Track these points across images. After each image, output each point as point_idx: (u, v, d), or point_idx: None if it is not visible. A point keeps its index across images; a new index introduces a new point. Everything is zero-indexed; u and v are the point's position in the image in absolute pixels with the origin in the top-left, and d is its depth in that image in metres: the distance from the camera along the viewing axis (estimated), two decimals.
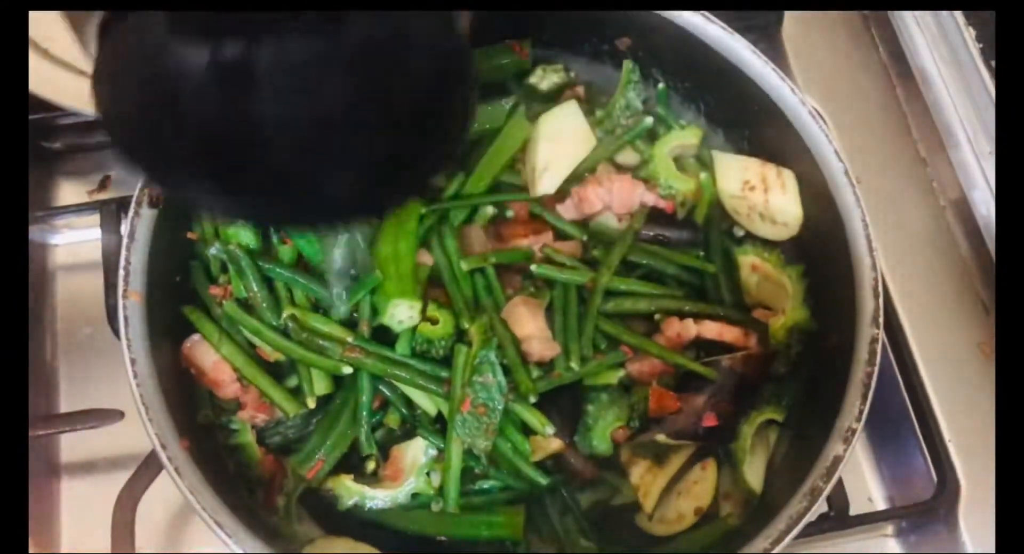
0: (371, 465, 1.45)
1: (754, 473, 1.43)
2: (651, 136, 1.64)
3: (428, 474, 1.41)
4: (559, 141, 1.57)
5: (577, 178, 1.58)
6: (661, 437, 1.42)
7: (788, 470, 1.38)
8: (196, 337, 1.43)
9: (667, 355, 1.45)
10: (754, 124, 1.57)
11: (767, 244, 1.56)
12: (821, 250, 1.47)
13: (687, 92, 1.65)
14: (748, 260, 1.55)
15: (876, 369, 1.30)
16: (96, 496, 1.53)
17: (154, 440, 1.26)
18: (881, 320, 1.32)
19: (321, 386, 1.43)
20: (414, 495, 1.41)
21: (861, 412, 1.27)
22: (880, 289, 1.34)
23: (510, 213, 1.56)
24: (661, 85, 1.66)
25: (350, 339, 1.41)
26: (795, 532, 1.22)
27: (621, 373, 1.47)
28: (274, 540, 1.26)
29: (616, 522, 1.45)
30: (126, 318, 1.32)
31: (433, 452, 1.41)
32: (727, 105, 1.61)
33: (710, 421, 1.41)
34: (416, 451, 1.42)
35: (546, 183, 1.55)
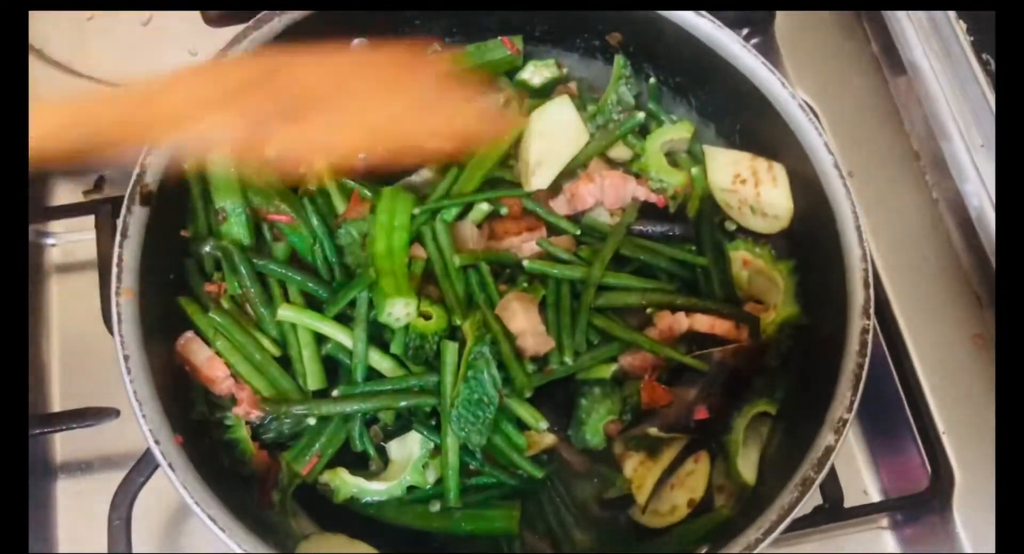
0: (367, 460, 1.46)
1: (747, 465, 1.43)
2: (643, 131, 1.65)
3: (424, 467, 1.41)
4: (552, 136, 1.57)
5: (569, 174, 1.58)
6: (653, 430, 1.43)
7: (780, 461, 1.38)
8: (189, 334, 1.44)
9: (658, 348, 1.45)
10: (745, 117, 1.58)
11: (758, 239, 1.57)
12: (812, 241, 1.47)
13: (678, 86, 1.66)
14: (739, 255, 1.56)
15: (867, 360, 1.30)
16: (93, 495, 1.53)
17: (148, 436, 1.26)
18: (872, 311, 1.33)
19: (315, 381, 1.44)
20: (410, 488, 1.42)
21: (852, 403, 1.28)
22: (871, 280, 1.35)
23: (504, 210, 1.56)
24: (652, 80, 1.66)
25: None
26: (787, 522, 1.22)
27: (614, 367, 1.47)
28: (269, 535, 1.27)
29: (610, 515, 1.45)
30: (119, 315, 1.32)
31: (429, 446, 1.42)
32: (718, 99, 1.61)
33: (701, 414, 1.41)
34: (412, 445, 1.43)
35: (539, 178, 1.55)
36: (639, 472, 1.44)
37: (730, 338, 1.48)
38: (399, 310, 1.40)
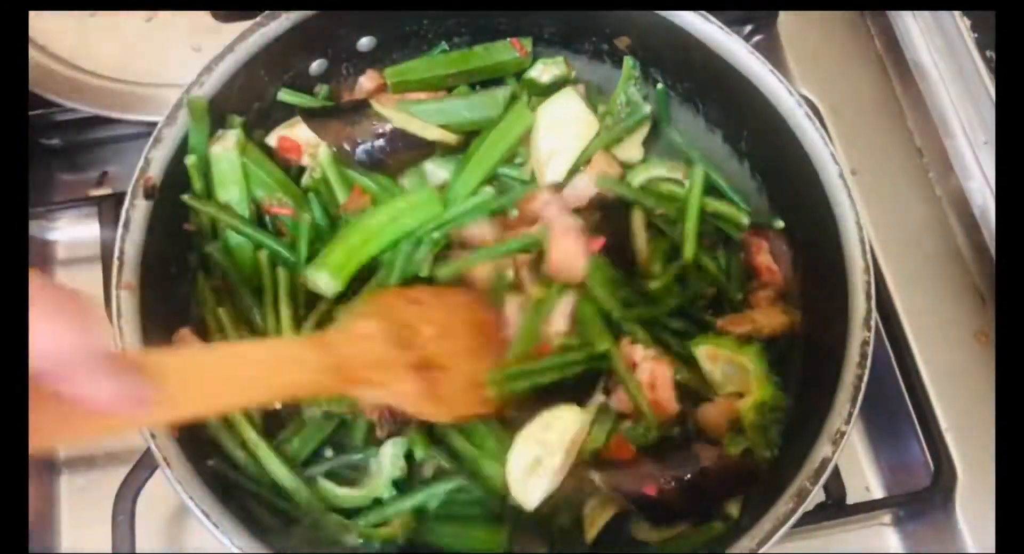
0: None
1: (733, 502, 1.41)
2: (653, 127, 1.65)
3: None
4: (562, 127, 1.57)
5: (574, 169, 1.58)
6: (598, 479, 1.39)
7: (777, 471, 1.37)
8: (185, 330, 1.44)
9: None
10: (751, 125, 1.56)
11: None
12: (815, 251, 1.47)
13: (686, 92, 1.64)
14: (703, 351, 1.46)
15: (867, 372, 1.29)
16: (96, 491, 1.54)
17: (144, 430, 1.26)
18: (873, 323, 1.32)
19: None
20: (395, 484, 1.41)
21: (851, 415, 1.27)
22: (873, 292, 1.33)
23: (515, 212, 1.55)
24: (660, 85, 1.65)
25: None
26: (782, 532, 1.22)
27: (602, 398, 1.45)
28: (263, 533, 1.27)
29: (606, 528, 1.42)
30: (119, 308, 1.31)
31: (400, 461, 1.42)
32: (725, 105, 1.59)
33: (649, 490, 1.36)
34: (384, 458, 1.42)
35: (554, 171, 1.55)
36: (591, 515, 1.42)
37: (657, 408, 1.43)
38: (323, 282, 1.44)
